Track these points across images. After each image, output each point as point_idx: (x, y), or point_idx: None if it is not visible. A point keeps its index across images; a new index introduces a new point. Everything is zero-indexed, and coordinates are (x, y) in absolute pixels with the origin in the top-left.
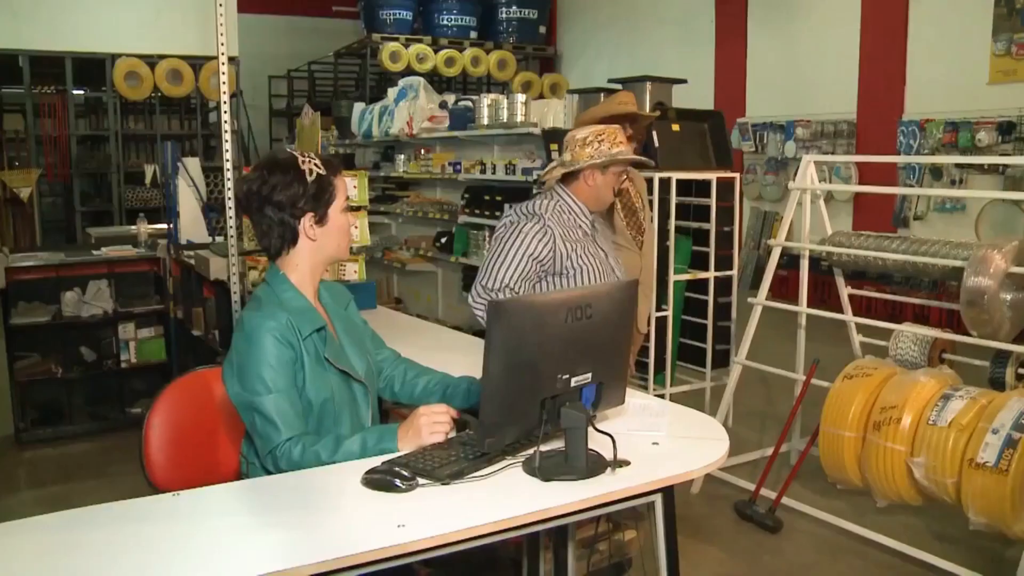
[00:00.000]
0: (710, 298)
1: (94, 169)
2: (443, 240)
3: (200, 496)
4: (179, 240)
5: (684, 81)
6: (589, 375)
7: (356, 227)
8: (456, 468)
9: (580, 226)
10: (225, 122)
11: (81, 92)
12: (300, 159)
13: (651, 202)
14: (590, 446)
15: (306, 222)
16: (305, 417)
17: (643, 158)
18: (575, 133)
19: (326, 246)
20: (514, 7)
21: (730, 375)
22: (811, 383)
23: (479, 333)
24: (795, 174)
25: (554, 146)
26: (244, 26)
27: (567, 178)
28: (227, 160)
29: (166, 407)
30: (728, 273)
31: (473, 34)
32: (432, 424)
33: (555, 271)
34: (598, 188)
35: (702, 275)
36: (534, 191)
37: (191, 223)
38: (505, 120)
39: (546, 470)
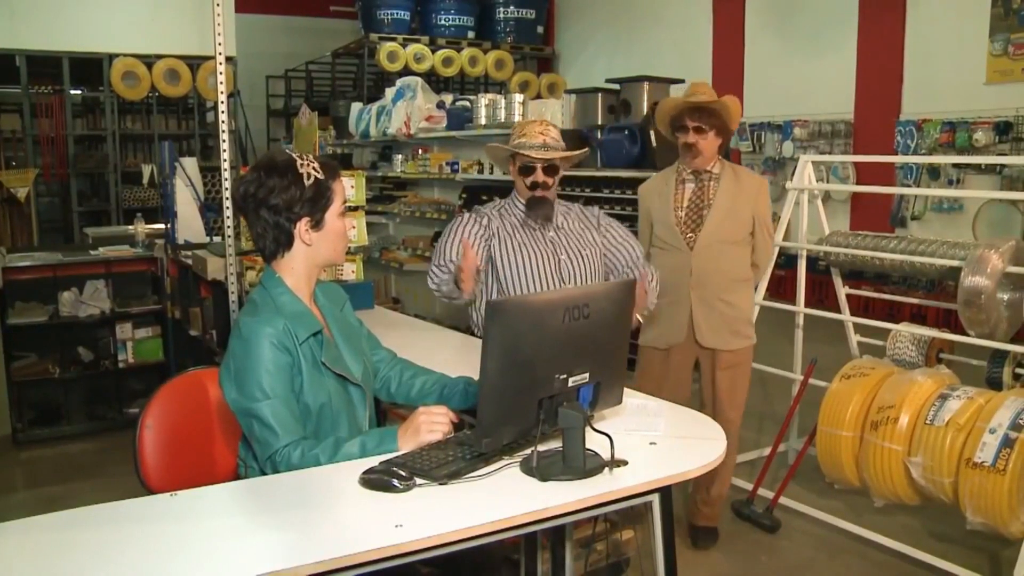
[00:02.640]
0: None
1: (91, 169)
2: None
3: (197, 496)
4: (176, 240)
5: (682, 81)
6: (587, 375)
7: (354, 227)
8: (453, 468)
9: (526, 221)
10: (222, 122)
11: (78, 92)
12: (298, 162)
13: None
14: (588, 446)
15: (302, 226)
16: (303, 422)
17: (576, 153)
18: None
19: (321, 250)
20: (512, 7)
21: None
22: (809, 383)
23: (476, 333)
24: (792, 174)
25: None
26: (241, 26)
27: None
28: (224, 160)
29: (160, 408)
30: None
31: (471, 34)
32: (430, 423)
33: (489, 255)
34: (516, 177)
35: None
36: None
37: (188, 223)
38: (503, 120)
39: (544, 470)
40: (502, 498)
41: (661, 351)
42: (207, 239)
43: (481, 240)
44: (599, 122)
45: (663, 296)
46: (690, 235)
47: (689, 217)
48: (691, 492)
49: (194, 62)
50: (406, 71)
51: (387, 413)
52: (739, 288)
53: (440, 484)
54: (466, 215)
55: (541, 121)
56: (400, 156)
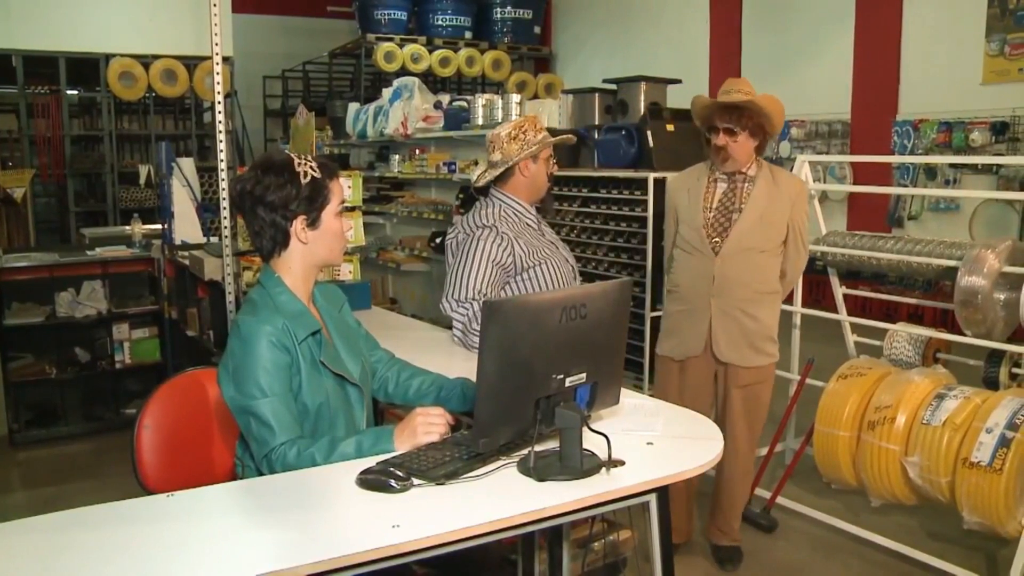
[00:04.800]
0: None
1: (88, 169)
2: (438, 240)
3: (195, 497)
4: (173, 240)
5: (679, 81)
6: (584, 375)
7: (351, 228)
8: (451, 468)
9: (527, 223)
10: (219, 122)
11: (75, 92)
12: (296, 161)
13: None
14: (585, 446)
15: (297, 224)
16: (301, 421)
17: (568, 136)
18: (498, 131)
19: (318, 250)
20: (509, 7)
21: None
22: (806, 383)
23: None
24: None
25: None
26: (239, 26)
27: (500, 178)
28: (221, 160)
29: (158, 408)
30: None
31: (468, 34)
32: (427, 424)
33: (517, 271)
34: (533, 177)
35: None
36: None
37: (186, 223)
38: (500, 120)
39: (541, 470)
40: (499, 498)
41: (678, 362)
42: (204, 239)
43: (509, 258)
44: (596, 122)
45: (681, 303)
46: (716, 239)
47: (717, 220)
48: (711, 511)
49: (191, 62)
50: (403, 71)
51: (384, 413)
52: (764, 301)
53: (437, 484)
54: (479, 233)
55: (530, 119)
56: (397, 156)
